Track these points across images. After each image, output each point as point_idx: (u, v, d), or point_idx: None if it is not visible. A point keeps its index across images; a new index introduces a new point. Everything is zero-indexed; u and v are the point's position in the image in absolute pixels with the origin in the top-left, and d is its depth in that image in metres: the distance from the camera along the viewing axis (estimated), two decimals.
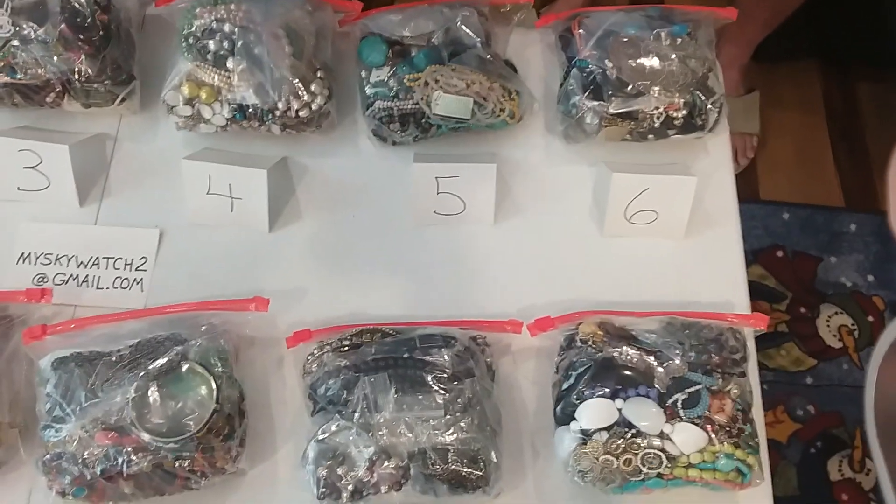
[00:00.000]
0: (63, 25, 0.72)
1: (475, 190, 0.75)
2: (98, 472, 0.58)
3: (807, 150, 1.59)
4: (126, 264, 0.73)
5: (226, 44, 0.73)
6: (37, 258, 0.73)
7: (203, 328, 0.64)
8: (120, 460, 0.58)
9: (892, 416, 0.50)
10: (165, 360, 0.61)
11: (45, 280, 0.72)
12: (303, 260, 0.76)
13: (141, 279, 0.73)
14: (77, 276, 0.72)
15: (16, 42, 0.71)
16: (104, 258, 0.73)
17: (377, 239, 0.77)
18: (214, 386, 0.62)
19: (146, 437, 0.59)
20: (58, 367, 0.62)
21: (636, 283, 0.75)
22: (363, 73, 0.78)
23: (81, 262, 0.73)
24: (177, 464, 0.59)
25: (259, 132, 0.76)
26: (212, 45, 0.73)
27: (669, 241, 0.76)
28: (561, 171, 0.80)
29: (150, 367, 0.61)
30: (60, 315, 0.71)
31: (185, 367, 0.62)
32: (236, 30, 0.73)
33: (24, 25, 0.72)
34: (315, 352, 0.66)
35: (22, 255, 0.73)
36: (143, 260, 0.73)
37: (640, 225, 0.76)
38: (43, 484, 0.62)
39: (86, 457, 0.58)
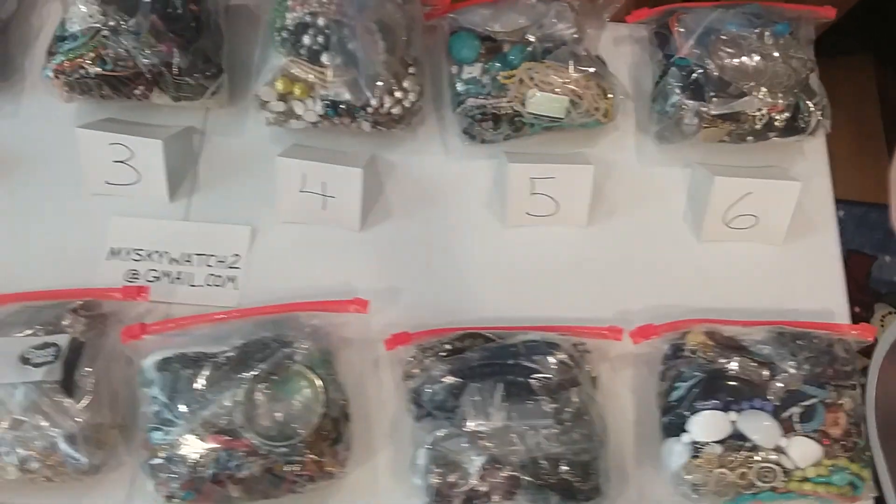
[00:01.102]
0: (154, 16, 0.71)
1: (570, 191, 0.74)
2: (209, 476, 0.58)
3: (862, 146, 1.56)
4: (219, 261, 0.72)
5: (320, 39, 0.72)
6: (128, 254, 0.72)
7: (307, 329, 0.63)
8: (231, 464, 0.58)
9: (892, 415, 0.50)
10: (273, 362, 0.60)
11: (137, 276, 0.71)
12: (393, 260, 0.74)
13: (234, 277, 0.72)
14: (170, 273, 0.71)
15: (106, 33, 0.70)
16: (196, 255, 0.72)
17: (467, 239, 0.75)
18: (321, 389, 0.61)
19: (258, 440, 0.58)
20: (163, 368, 0.61)
21: (733, 289, 0.74)
22: (453, 70, 0.76)
23: (174, 259, 0.72)
24: (286, 468, 0.59)
25: (347, 129, 0.75)
26: (306, 39, 0.72)
27: (768, 247, 0.75)
28: (653, 173, 0.78)
29: (259, 369, 0.60)
30: (154, 312, 0.70)
31: (292, 370, 0.61)
32: (331, 24, 0.72)
33: (115, 16, 0.70)
34: (417, 355, 0.65)
35: (112, 250, 0.72)
36: (236, 257, 0.72)
37: (739, 230, 0.74)
38: (142, 487, 0.62)
39: (197, 460, 0.58)
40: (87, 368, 0.62)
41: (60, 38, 0.71)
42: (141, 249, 0.72)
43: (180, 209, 0.74)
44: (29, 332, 0.63)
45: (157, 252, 0.72)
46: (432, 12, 0.79)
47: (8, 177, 0.75)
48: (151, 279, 0.71)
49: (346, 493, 0.65)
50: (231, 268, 0.72)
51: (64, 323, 0.63)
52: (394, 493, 0.65)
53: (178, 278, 0.71)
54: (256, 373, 0.60)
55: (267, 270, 0.73)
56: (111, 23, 0.70)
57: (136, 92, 0.73)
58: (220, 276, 0.72)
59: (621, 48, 0.83)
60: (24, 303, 0.66)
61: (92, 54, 0.70)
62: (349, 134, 0.77)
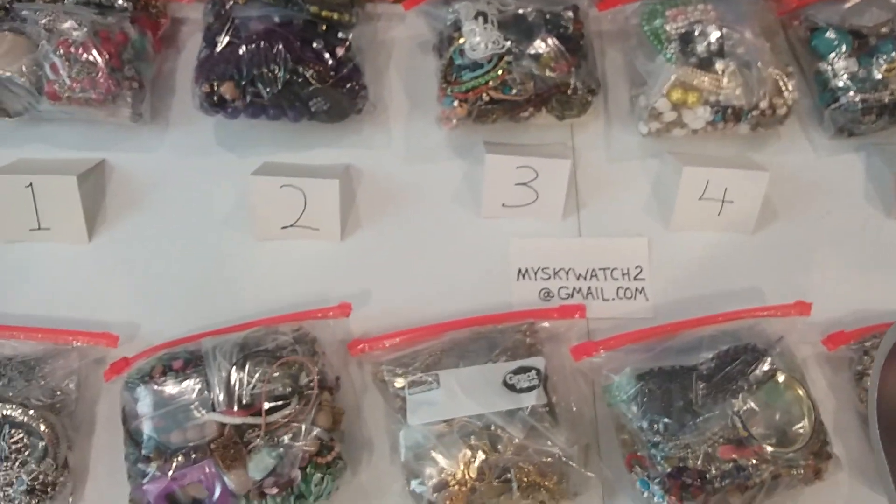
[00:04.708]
0: (551, 38, 0.72)
1: None
2: (723, 486, 0.59)
3: None
4: (623, 274, 0.73)
5: (712, 46, 0.72)
6: (535, 273, 0.73)
7: (770, 337, 0.64)
8: (743, 474, 0.58)
9: (894, 415, 0.50)
10: (759, 372, 0.61)
11: (551, 295, 0.72)
12: (789, 260, 0.74)
13: (642, 288, 0.72)
14: (580, 288, 0.72)
15: (509, 58, 0.71)
16: (600, 269, 0.73)
17: (854, 233, 0.76)
18: (805, 394, 0.61)
19: (769, 448, 0.59)
20: (644, 382, 0.62)
21: None
22: (821, 67, 0.77)
23: (580, 275, 0.72)
24: (793, 471, 0.59)
25: (723, 133, 0.75)
26: (699, 48, 0.72)
27: None
28: None
29: (750, 378, 0.61)
30: (573, 328, 0.71)
31: (780, 378, 0.62)
32: (720, 31, 0.73)
33: (515, 41, 0.71)
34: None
35: (520, 270, 0.73)
36: (639, 269, 0.73)
37: None
38: None
39: (710, 472, 0.59)
40: (556, 389, 0.64)
41: (460, 67, 0.72)
42: (547, 268, 0.73)
43: (572, 226, 0.75)
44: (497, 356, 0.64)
45: (562, 269, 0.73)
46: (783, 9, 0.79)
47: (395, 207, 0.75)
48: (564, 296, 0.72)
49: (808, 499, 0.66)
50: (636, 279, 0.73)
51: (529, 343, 0.65)
52: (856, 495, 0.65)
53: (590, 293, 0.72)
54: (747, 383, 0.61)
55: (670, 279, 0.73)
56: (513, 48, 0.71)
57: (524, 114, 0.74)
58: (628, 289, 0.72)
59: None
60: (474, 328, 0.67)
61: (496, 82, 0.71)
62: (720, 139, 0.77)
